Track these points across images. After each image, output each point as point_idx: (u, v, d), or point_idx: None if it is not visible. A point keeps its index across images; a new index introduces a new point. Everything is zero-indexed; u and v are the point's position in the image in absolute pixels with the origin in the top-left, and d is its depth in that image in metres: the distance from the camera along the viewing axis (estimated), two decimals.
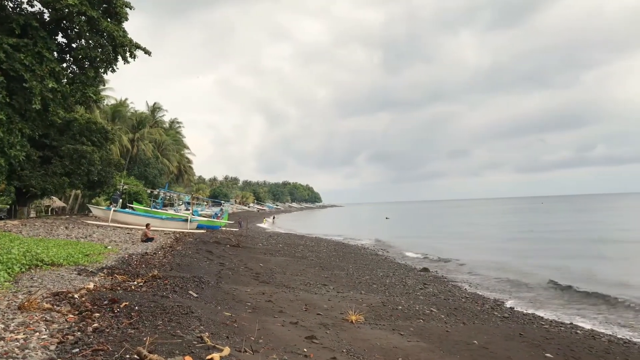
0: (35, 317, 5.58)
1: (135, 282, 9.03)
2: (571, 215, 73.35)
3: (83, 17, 21.83)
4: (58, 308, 6.12)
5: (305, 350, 6.33)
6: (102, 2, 23.05)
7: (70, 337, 4.94)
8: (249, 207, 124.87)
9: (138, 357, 4.35)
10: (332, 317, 9.26)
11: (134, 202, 39.75)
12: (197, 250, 18.53)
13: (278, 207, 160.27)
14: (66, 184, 27.41)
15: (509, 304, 14.01)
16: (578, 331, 10.75)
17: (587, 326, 11.47)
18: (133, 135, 61.35)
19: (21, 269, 8.95)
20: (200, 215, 39.79)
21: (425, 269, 21.16)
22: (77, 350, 4.55)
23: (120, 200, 34.66)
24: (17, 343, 4.64)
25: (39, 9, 23.24)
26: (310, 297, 11.51)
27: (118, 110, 60.34)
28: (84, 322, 5.55)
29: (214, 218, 39.25)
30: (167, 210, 45.74)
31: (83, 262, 11.26)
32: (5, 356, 4.26)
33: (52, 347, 4.61)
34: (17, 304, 6.09)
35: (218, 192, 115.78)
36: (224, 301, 9.06)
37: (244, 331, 6.60)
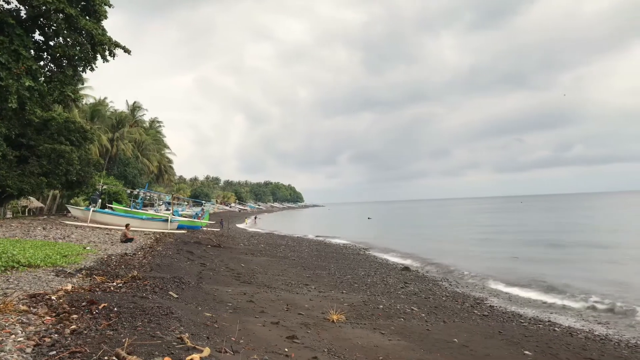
0: (11, 320, 5.47)
1: (115, 283, 8.92)
2: (552, 215, 74.71)
3: (61, 15, 21.50)
4: (35, 310, 6.01)
5: (286, 350, 6.33)
6: None
7: (47, 340, 4.86)
8: (230, 207, 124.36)
9: (117, 359, 4.31)
10: (313, 316, 9.27)
11: (113, 202, 39.30)
12: (177, 250, 18.39)
13: (260, 207, 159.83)
14: (44, 184, 26.95)
15: (488, 302, 14.17)
16: (556, 328, 10.94)
17: (565, 323, 11.68)
18: (112, 134, 60.61)
19: None
20: (180, 216, 39.52)
21: (407, 268, 21.33)
22: (54, 352, 4.49)
23: (100, 200, 34.24)
24: None
25: (16, 5, 22.80)
26: (291, 297, 11.52)
27: (97, 110, 59.52)
28: (61, 324, 5.46)
29: (194, 218, 39.02)
30: (147, 210, 45.35)
31: (61, 263, 11.08)
32: None
33: (29, 350, 4.53)
34: None
35: (199, 192, 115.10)
36: (205, 302, 9.01)
37: (224, 332, 6.58)
